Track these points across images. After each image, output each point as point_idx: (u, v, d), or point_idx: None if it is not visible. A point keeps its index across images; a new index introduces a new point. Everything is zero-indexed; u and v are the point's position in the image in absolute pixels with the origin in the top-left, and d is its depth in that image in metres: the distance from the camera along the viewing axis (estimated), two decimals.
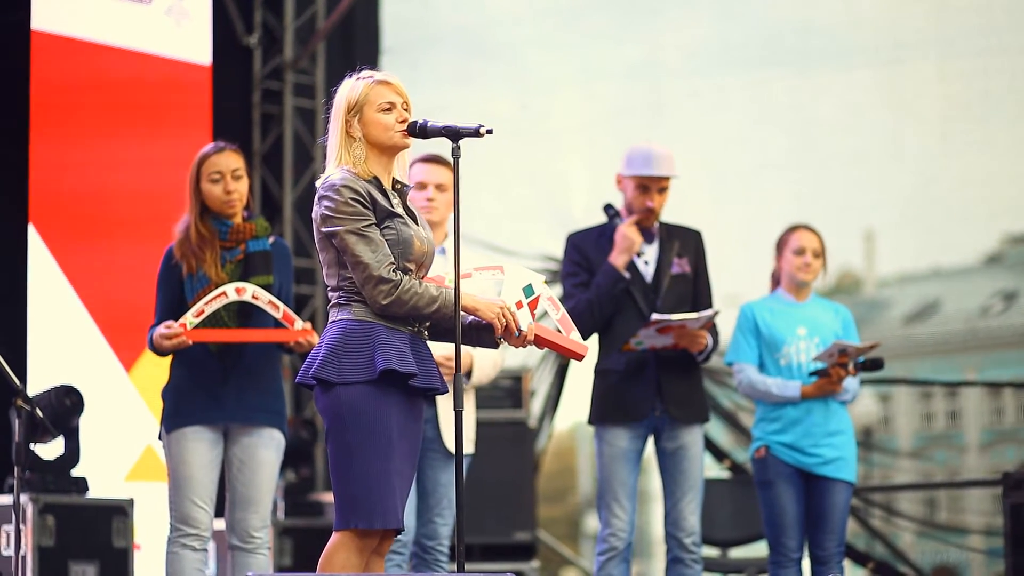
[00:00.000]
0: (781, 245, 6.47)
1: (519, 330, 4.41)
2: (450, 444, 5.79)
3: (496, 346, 4.52)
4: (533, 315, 4.49)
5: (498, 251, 10.21)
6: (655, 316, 5.92)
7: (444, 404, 5.73)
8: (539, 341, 4.48)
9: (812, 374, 6.26)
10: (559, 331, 4.56)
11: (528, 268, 4.63)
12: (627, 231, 6.07)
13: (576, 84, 14.12)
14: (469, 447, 5.96)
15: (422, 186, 5.79)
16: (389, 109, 4.40)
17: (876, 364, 6.25)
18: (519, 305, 4.48)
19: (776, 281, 6.53)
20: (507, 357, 6.20)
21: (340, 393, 4.28)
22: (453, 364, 5.43)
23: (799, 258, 6.40)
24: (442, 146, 4.51)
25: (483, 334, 4.46)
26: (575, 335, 4.56)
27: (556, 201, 11.41)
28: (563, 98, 13.82)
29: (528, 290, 4.52)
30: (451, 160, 5.77)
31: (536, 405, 10.32)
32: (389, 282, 4.27)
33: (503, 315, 4.39)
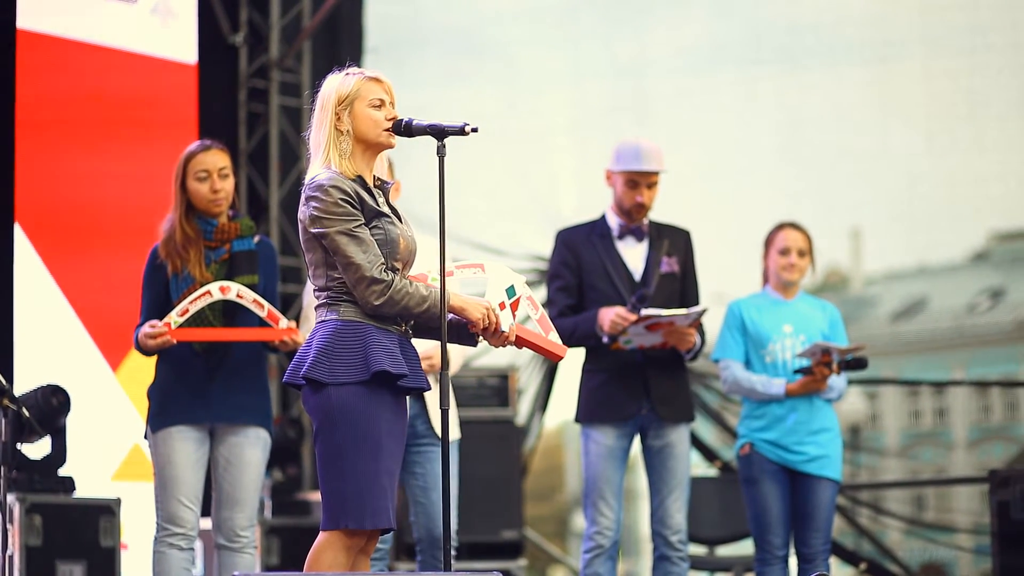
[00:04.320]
0: (768, 243, 6.48)
1: (501, 331, 4.42)
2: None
3: (475, 344, 4.55)
4: (514, 316, 4.51)
5: (486, 251, 10.21)
6: (644, 311, 5.93)
7: (431, 398, 5.74)
8: (519, 341, 4.50)
9: (796, 372, 6.27)
10: (539, 332, 4.58)
11: (510, 268, 4.65)
12: (622, 317, 5.99)
13: (565, 83, 14.12)
14: (455, 431, 5.97)
15: None
16: (379, 106, 4.41)
17: (860, 363, 6.25)
18: (502, 306, 4.51)
19: (767, 279, 6.54)
20: (492, 354, 6.21)
21: (331, 393, 4.28)
22: (435, 360, 5.48)
23: (784, 258, 6.41)
24: (427, 145, 4.51)
25: (463, 332, 4.49)
26: (554, 335, 4.59)
27: (545, 200, 11.40)
28: (552, 97, 13.82)
29: (511, 291, 4.55)
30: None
31: (525, 404, 10.33)
32: (381, 282, 4.28)
33: (488, 316, 4.41)
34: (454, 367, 5.98)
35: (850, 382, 6.63)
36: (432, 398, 5.73)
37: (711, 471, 9.86)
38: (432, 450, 5.82)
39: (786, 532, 6.28)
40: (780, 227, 6.48)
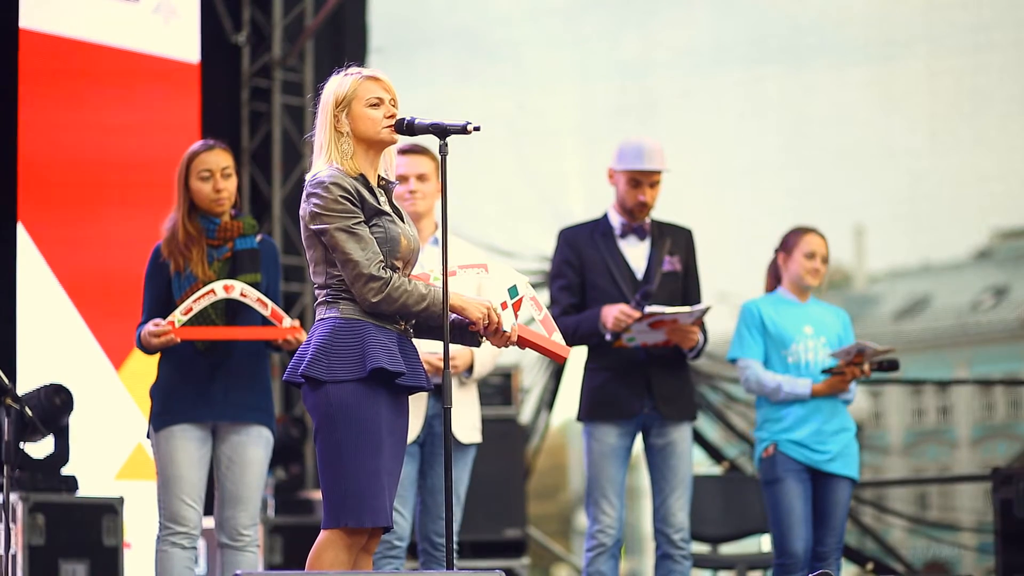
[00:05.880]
0: (790, 246, 6.40)
1: (503, 330, 4.42)
2: (461, 436, 5.84)
3: (478, 344, 4.54)
4: (516, 316, 4.51)
5: (495, 251, 10.20)
6: (648, 309, 5.92)
7: (456, 398, 5.73)
8: (522, 342, 4.50)
9: (825, 372, 6.23)
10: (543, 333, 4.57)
11: (516, 268, 4.65)
12: (626, 315, 5.98)
13: (572, 84, 14.13)
14: (477, 436, 5.96)
15: (403, 179, 5.78)
16: (377, 104, 4.41)
17: (892, 365, 6.23)
18: (504, 306, 4.50)
19: (775, 278, 6.48)
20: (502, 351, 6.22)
21: (329, 391, 4.28)
22: (437, 364, 5.47)
23: (810, 262, 6.35)
24: (430, 144, 4.51)
25: (465, 333, 4.48)
26: (557, 336, 4.58)
27: (553, 201, 11.41)
28: (559, 98, 13.83)
29: (513, 291, 4.55)
30: (430, 149, 5.81)
31: (531, 402, 10.33)
32: (379, 280, 4.28)
33: (489, 315, 4.40)
34: (486, 369, 5.96)
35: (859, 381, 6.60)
36: (455, 397, 5.72)
37: (714, 469, 9.85)
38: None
39: (808, 535, 6.22)
40: (804, 231, 6.41)
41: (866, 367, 6.20)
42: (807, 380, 6.25)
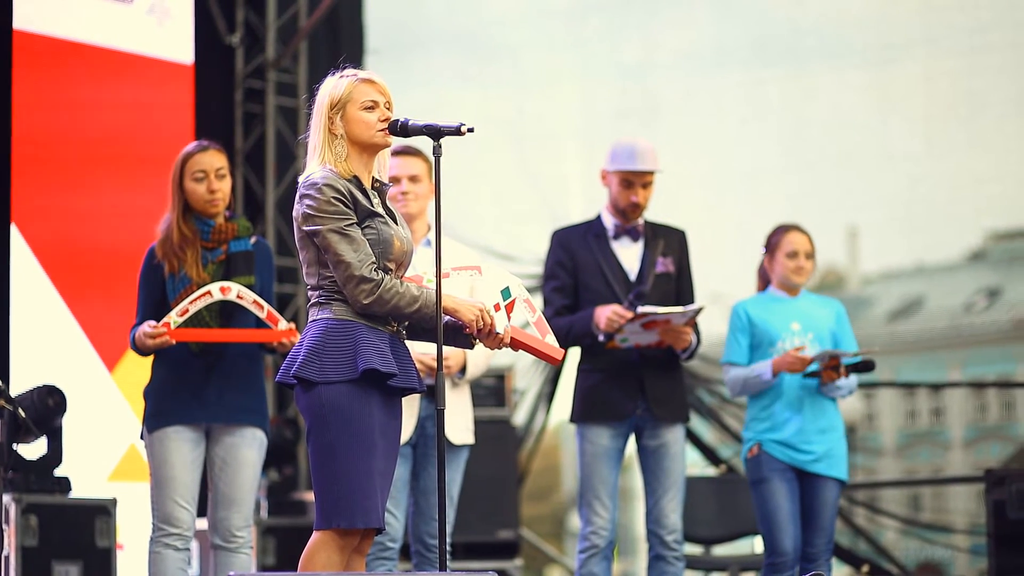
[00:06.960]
0: (773, 246, 6.41)
1: (496, 332, 4.42)
2: (453, 437, 5.84)
3: (471, 346, 4.54)
4: (509, 318, 4.51)
5: (494, 254, 10.20)
6: (641, 309, 5.92)
7: (449, 399, 5.73)
8: (515, 343, 4.49)
9: (807, 375, 6.24)
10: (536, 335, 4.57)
11: (516, 272, 4.65)
12: (619, 315, 5.99)
13: (572, 86, 14.13)
14: (469, 437, 5.97)
15: (395, 180, 5.78)
16: (372, 107, 4.41)
17: (867, 366, 6.24)
18: (496, 307, 4.49)
19: (764, 278, 6.50)
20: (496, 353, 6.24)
21: (321, 392, 4.28)
22: (431, 364, 5.48)
23: (792, 261, 6.37)
24: (422, 145, 4.51)
25: (458, 334, 4.48)
26: (550, 338, 4.57)
27: (552, 204, 11.41)
28: (559, 100, 13.83)
29: (506, 293, 4.54)
30: (422, 150, 5.82)
31: (526, 404, 10.32)
32: (371, 281, 4.28)
33: (482, 317, 4.40)
34: (479, 370, 5.96)
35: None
36: (449, 399, 5.72)
37: (708, 471, 9.85)
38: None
39: (797, 534, 6.22)
40: (785, 230, 6.42)
41: (842, 369, 6.22)
42: (766, 362, 6.23)
